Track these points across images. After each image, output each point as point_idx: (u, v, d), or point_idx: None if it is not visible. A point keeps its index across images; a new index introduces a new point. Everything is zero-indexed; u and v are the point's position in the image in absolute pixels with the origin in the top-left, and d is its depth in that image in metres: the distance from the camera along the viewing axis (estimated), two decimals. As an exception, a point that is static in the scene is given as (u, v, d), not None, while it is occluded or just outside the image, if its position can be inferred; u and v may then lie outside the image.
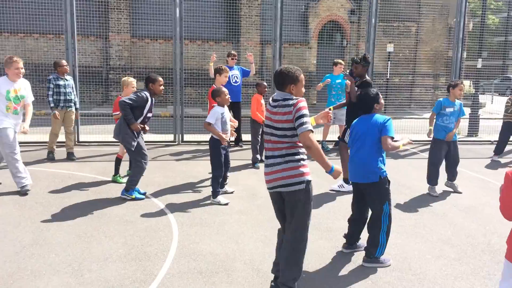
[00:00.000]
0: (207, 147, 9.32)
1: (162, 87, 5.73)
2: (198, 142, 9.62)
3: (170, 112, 12.21)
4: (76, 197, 5.87)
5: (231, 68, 8.94)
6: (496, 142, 9.31)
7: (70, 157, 8.09)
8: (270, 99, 3.52)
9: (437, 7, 17.54)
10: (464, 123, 11.11)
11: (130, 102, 5.54)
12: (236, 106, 8.97)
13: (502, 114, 9.26)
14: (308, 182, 3.40)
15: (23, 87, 5.99)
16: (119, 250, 4.33)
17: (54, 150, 7.99)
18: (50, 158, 7.88)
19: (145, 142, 6.11)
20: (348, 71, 8.32)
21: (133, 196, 5.83)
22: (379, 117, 4.19)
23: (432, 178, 6.50)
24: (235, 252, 4.37)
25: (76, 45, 9.12)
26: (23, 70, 5.93)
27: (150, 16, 14.79)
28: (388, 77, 15.48)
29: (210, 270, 3.99)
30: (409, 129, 11.37)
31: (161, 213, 5.40)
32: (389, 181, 4.19)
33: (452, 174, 6.65)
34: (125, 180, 6.61)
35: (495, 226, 5.27)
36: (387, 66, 15.55)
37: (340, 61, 9.29)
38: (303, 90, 3.48)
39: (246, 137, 9.44)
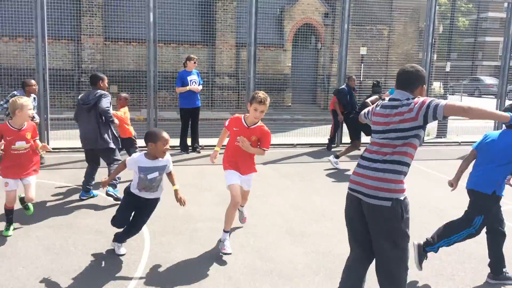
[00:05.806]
0: (179, 151, 9.35)
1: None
2: (172, 147, 9.55)
3: (144, 115, 12.10)
4: (45, 207, 5.75)
5: (190, 72, 8.88)
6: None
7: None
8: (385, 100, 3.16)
9: (408, 11, 17.91)
10: (433, 125, 11.37)
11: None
12: (195, 111, 9.10)
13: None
14: (398, 200, 2.96)
15: None
16: (89, 261, 4.28)
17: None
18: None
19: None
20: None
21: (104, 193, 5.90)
22: None
23: None
24: (207, 260, 4.38)
25: (46, 50, 8.93)
26: None
27: (123, 19, 14.62)
28: (361, 79, 15.71)
29: (183, 278, 3.99)
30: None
31: (133, 221, 5.34)
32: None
33: None
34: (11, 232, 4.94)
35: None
36: (360, 68, 15.79)
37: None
38: None
39: (204, 141, 9.46)
